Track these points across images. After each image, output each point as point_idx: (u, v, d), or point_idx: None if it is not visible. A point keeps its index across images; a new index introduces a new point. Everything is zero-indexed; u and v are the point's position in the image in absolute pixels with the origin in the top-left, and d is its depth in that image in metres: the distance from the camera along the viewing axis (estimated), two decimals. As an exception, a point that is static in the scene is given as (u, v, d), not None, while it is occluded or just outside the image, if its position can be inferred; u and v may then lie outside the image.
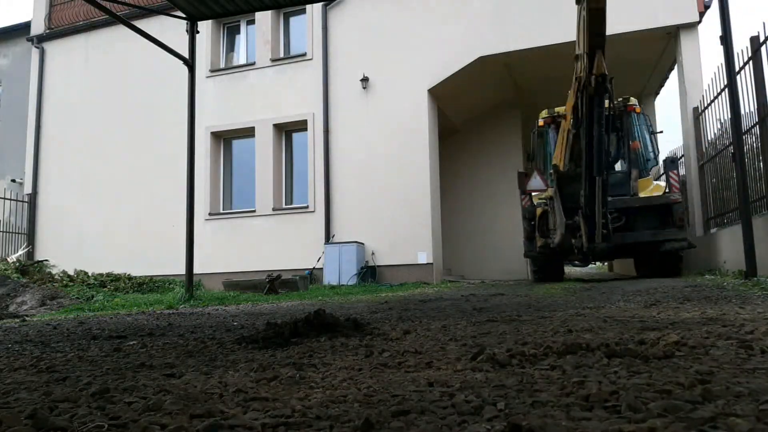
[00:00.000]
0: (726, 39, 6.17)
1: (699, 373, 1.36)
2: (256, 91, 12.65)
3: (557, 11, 10.60)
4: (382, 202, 11.40)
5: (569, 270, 18.18)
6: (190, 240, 7.35)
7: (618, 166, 9.28)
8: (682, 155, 10.61)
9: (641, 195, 8.46)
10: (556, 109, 9.36)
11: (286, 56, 12.79)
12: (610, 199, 6.97)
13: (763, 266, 5.87)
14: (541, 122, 9.79)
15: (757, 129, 6.49)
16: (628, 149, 9.05)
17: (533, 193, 8.86)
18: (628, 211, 8.09)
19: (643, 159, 9.12)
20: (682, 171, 10.06)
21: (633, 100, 9.26)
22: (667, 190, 8.31)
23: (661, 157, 9.64)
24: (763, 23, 6.16)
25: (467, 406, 1.17)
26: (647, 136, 9.25)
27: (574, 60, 6.36)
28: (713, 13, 7.67)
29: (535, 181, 8.47)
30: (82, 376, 1.80)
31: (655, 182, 9.01)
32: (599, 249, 6.40)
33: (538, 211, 8.60)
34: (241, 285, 8.73)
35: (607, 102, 6.22)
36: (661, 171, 9.32)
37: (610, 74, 5.89)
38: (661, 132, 9.99)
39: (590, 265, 24.23)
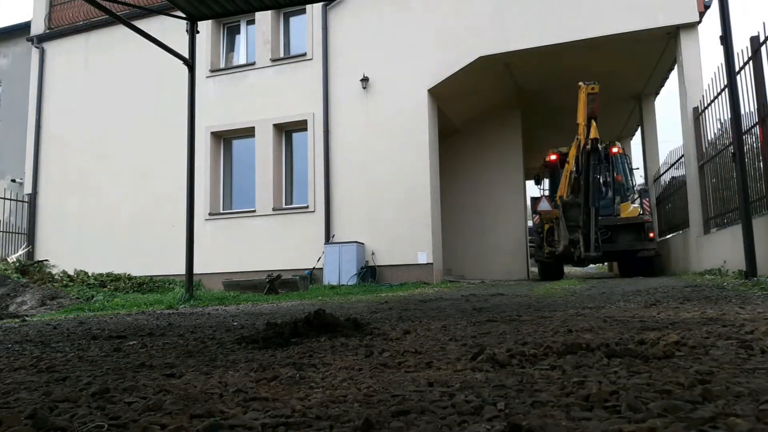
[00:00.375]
0: (726, 39, 6.17)
1: (699, 373, 1.36)
2: (256, 91, 12.65)
3: (557, 11, 10.60)
4: (382, 202, 11.40)
5: (570, 270, 19.06)
6: (190, 240, 7.35)
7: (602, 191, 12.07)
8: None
9: (622, 216, 11.25)
10: (561, 149, 11.97)
11: (286, 56, 12.79)
12: (599, 218, 9.99)
13: (763, 266, 5.87)
14: (550, 158, 12.49)
15: (757, 129, 6.48)
16: (614, 181, 11.93)
17: (542, 213, 11.59)
18: (612, 228, 10.92)
19: (623, 188, 12.09)
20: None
21: (617, 144, 12.29)
22: (640, 212, 11.21)
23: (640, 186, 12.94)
24: (763, 23, 6.16)
25: (467, 406, 1.17)
26: (627, 171, 12.53)
27: (577, 126, 9.31)
28: (713, 13, 7.67)
29: (544, 204, 11.55)
30: (82, 376, 1.80)
31: (633, 206, 11.61)
32: (592, 257, 9.74)
33: (546, 226, 11.41)
34: (241, 285, 8.73)
35: (599, 144, 9.15)
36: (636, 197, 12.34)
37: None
38: (638, 168, 13.78)
39: (590, 266, 26.44)
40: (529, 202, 12.86)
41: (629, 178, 12.45)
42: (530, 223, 13.76)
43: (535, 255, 12.43)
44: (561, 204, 9.98)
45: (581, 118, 9.16)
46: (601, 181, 10.22)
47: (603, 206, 10.89)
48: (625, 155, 12.62)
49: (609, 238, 10.68)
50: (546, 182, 13.05)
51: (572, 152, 9.66)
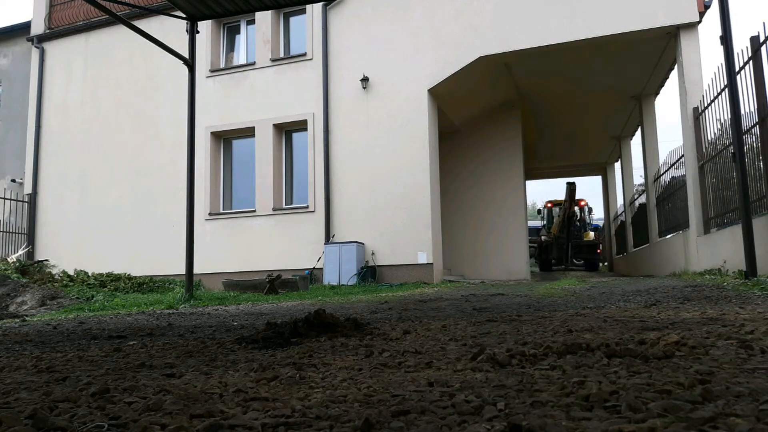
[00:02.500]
0: (726, 39, 6.17)
1: (699, 373, 1.36)
2: (256, 91, 12.65)
3: (557, 11, 10.60)
4: (382, 202, 11.40)
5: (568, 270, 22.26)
6: (190, 240, 7.34)
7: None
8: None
9: (585, 239, 22.04)
10: (555, 200, 23.96)
11: (286, 56, 12.78)
12: (575, 240, 21.71)
13: (763, 266, 5.87)
14: (547, 205, 24.83)
15: (757, 129, 6.48)
16: (581, 220, 23.04)
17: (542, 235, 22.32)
18: (580, 246, 21.82)
19: (585, 224, 23.20)
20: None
21: (583, 200, 23.47)
22: (593, 237, 22.31)
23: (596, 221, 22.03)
24: (763, 23, 6.16)
25: (467, 406, 1.17)
26: (587, 214, 23.88)
27: (563, 201, 20.33)
28: (713, 13, 7.67)
29: (543, 232, 23.71)
30: (82, 376, 1.80)
31: (592, 234, 22.59)
32: (566, 265, 22.04)
33: (543, 243, 22.73)
34: (241, 285, 8.73)
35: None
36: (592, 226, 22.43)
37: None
38: (591, 209, 24.68)
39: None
40: (531, 223, 21.66)
41: (588, 219, 23.85)
42: (536, 233, 23.66)
43: (536, 258, 23.02)
44: (554, 236, 21.72)
45: (566, 202, 20.38)
46: (571, 227, 21.34)
47: (577, 235, 21.84)
48: (586, 206, 23.97)
49: (578, 251, 21.95)
50: (545, 216, 25.21)
51: (561, 212, 21.50)
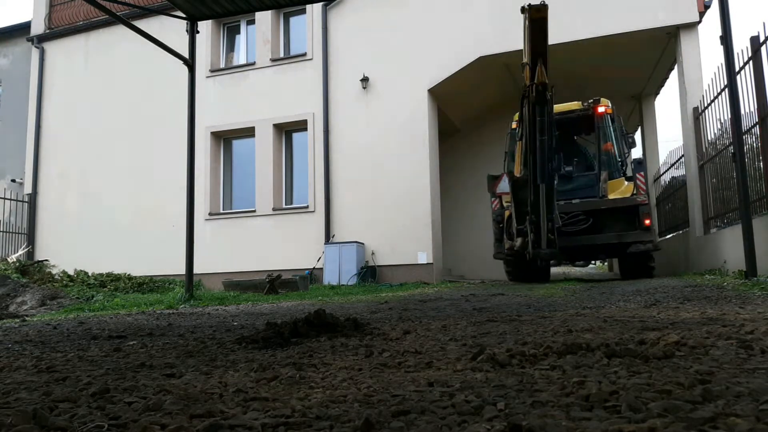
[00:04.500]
0: (726, 39, 6.17)
1: (699, 373, 1.36)
2: (256, 91, 12.65)
3: (557, 11, 10.59)
4: (382, 202, 11.40)
5: (568, 270, 18.38)
6: (190, 240, 7.34)
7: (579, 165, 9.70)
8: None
9: (609, 197, 8.50)
10: None
11: (286, 56, 12.79)
12: (577, 201, 8.25)
13: (763, 266, 5.87)
14: (514, 124, 9.59)
15: (757, 129, 6.48)
16: (599, 151, 9.12)
17: (503, 196, 8.96)
18: (595, 213, 8.35)
19: (615, 160, 9.10)
20: (679, 170, 10.59)
21: (604, 101, 9.23)
22: (634, 192, 8.42)
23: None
24: (763, 23, 6.16)
25: (467, 406, 1.17)
26: (619, 138, 9.35)
27: (521, 69, 6.89)
28: (713, 13, 7.67)
29: (504, 185, 8.38)
30: (82, 376, 1.80)
31: (627, 183, 8.82)
32: (543, 255, 6.69)
33: (506, 213, 8.57)
34: (241, 285, 8.73)
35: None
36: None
37: (551, 82, 6.38)
38: (632, 134, 9.52)
39: (590, 265, 24.54)
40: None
41: (622, 148, 9.28)
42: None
43: (495, 251, 9.35)
44: (511, 182, 7.43)
45: (526, 56, 6.75)
46: (554, 144, 6.93)
47: (585, 185, 8.79)
48: (617, 116, 9.45)
49: (592, 227, 8.28)
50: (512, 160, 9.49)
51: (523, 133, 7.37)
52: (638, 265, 8.72)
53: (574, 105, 9.34)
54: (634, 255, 8.45)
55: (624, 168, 9.18)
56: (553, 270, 13.03)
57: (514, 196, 7.33)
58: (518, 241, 7.62)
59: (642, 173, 8.61)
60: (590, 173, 9.15)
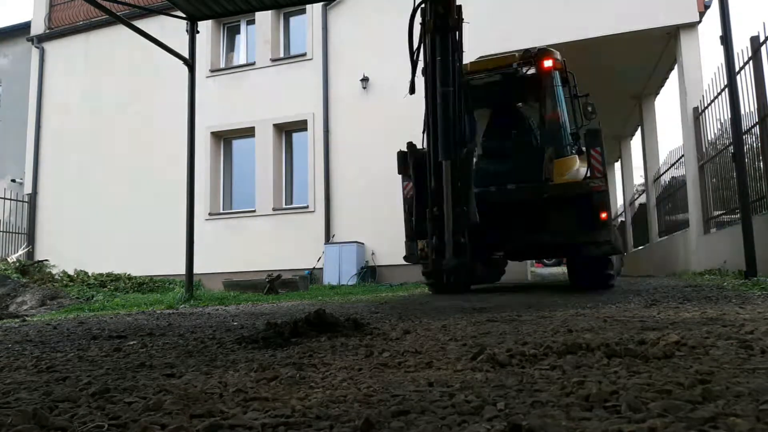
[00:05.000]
0: (726, 39, 6.17)
1: (699, 373, 1.36)
2: (256, 91, 12.65)
3: (557, 11, 10.60)
4: (382, 202, 11.38)
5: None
6: (190, 240, 7.34)
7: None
8: (678, 156, 10.69)
9: (555, 181, 6.16)
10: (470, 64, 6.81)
11: (286, 56, 12.79)
12: (513, 187, 6.11)
13: (763, 266, 5.87)
14: None
15: (757, 129, 6.48)
16: (542, 121, 6.84)
17: None
18: (535, 204, 6.09)
19: (563, 132, 6.56)
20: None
21: (552, 53, 6.71)
22: (587, 175, 5.93)
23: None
24: (763, 23, 6.16)
25: (467, 406, 1.17)
26: (569, 103, 6.70)
27: None
28: (713, 13, 7.67)
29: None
30: (82, 376, 1.80)
31: (581, 163, 6.25)
32: (447, 266, 4.12)
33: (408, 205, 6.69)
34: (241, 285, 8.73)
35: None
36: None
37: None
38: (587, 95, 6.70)
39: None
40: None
41: (575, 115, 6.58)
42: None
43: (406, 253, 7.22)
44: (412, 160, 5.17)
45: None
46: (466, 102, 5.10)
47: (523, 165, 6.45)
48: (570, 74, 6.77)
49: (532, 221, 6.13)
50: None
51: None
52: (591, 272, 6.41)
53: (510, 58, 6.84)
54: (586, 259, 6.30)
55: (578, 143, 6.47)
56: (516, 269, 10.35)
57: (416, 180, 4.88)
58: (420, 245, 5.99)
59: (598, 149, 5.96)
60: (532, 150, 6.78)
